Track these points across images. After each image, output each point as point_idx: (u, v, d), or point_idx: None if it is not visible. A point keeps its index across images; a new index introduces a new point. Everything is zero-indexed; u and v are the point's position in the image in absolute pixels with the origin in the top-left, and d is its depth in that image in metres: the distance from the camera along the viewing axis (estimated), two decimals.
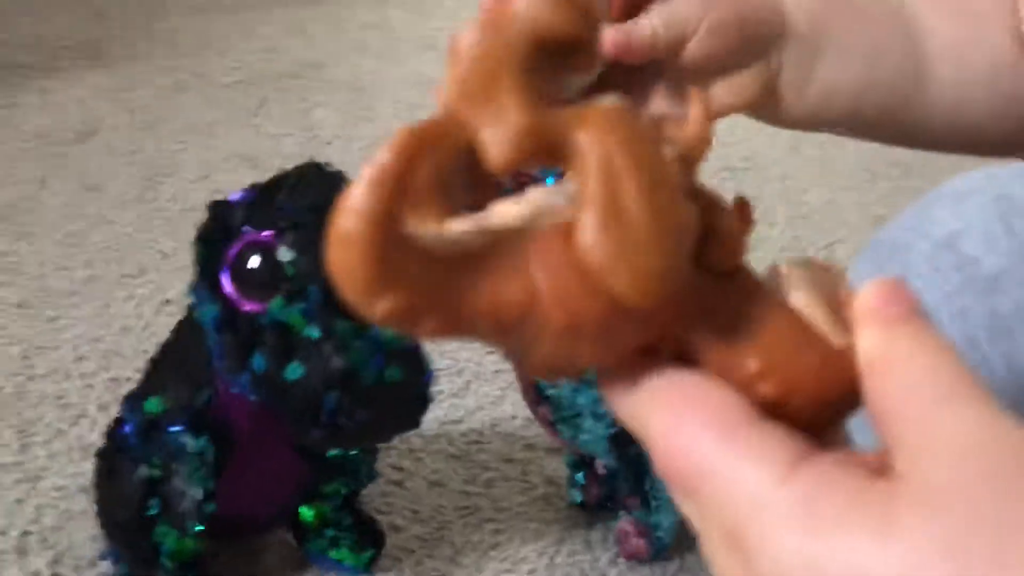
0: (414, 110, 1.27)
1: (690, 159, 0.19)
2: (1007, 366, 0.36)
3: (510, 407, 0.70)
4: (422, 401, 0.41)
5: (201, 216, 0.98)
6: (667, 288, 0.17)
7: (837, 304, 0.19)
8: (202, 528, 0.46)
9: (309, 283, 0.40)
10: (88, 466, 0.61)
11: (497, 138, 0.18)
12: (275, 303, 0.41)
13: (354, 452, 0.49)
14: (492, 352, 0.78)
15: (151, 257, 0.86)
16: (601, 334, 0.18)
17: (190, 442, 0.46)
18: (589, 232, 0.17)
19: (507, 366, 0.71)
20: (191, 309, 0.48)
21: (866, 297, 0.18)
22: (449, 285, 0.17)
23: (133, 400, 0.49)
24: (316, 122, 1.22)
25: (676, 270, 0.18)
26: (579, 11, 0.19)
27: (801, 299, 0.19)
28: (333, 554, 0.54)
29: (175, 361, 0.49)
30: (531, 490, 0.64)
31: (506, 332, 0.17)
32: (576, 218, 0.17)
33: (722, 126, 1.18)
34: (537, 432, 0.68)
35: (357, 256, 0.16)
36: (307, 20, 1.60)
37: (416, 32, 1.58)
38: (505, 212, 0.18)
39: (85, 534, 0.55)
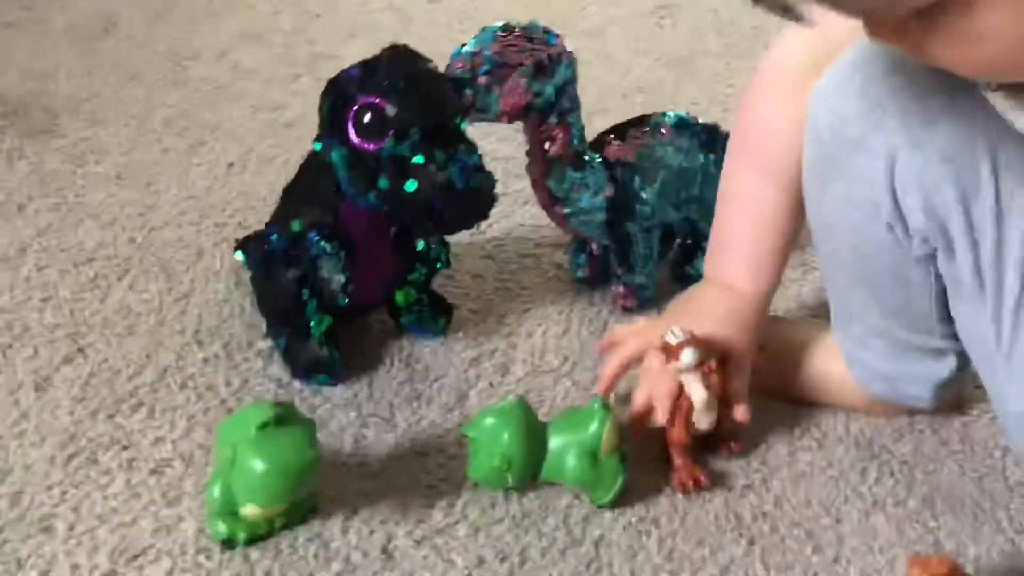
0: None
1: None
2: (933, 143, 0.59)
3: (519, 219, 0.92)
4: (492, 199, 0.63)
5: (229, 92, 1.16)
6: None
7: None
8: (346, 301, 0.68)
9: (410, 127, 0.61)
10: (220, 286, 0.82)
11: None
12: (389, 143, 0.61)
13: (433, 243, 0.71)
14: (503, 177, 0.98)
15: (203, 131, 1.04)
16: None
17: (327, 245, 0.67)
18: None
19: (513, 189, 0.92)
20: (312, 156, 0.68)
21: None
22: None
23: (278, 223, 0.70)
24: None
25: None
26: None
27: None
28: (420, 324, 0.76)
29: (304, 193, 0.69)
30: (545, 273, 0.86)
31: None
32: None
33: (623, 56, 1.42)
34: (541, 235, 0.90)
35: None
36: None
37: None
38: None
39: (241, 327, 0.77)
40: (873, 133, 0.59)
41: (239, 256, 0.83)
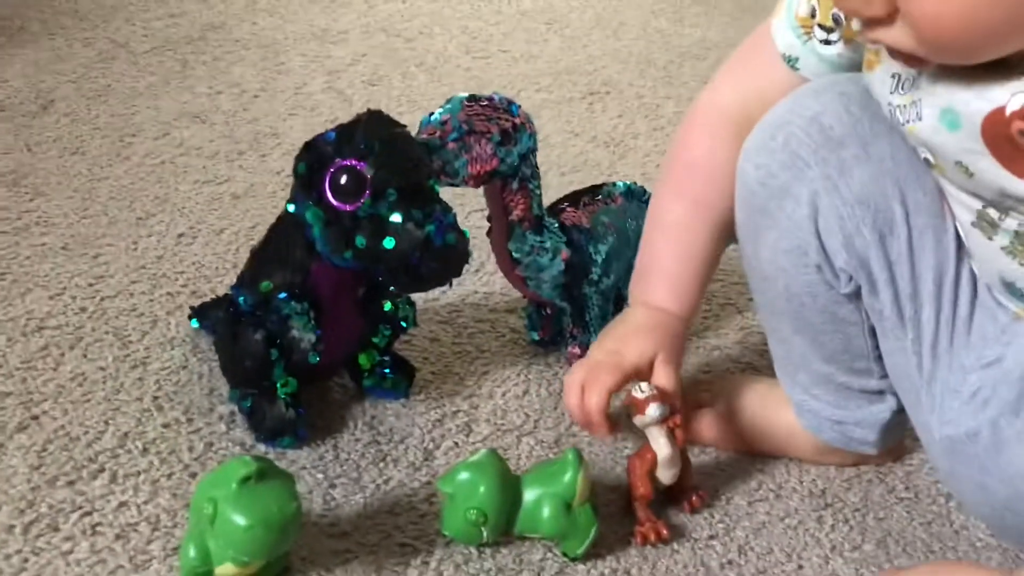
0: (321, 60, 1.46)
1: None
2: (849, 188, 0.64)
3: (471, 286, 0.94)
4: (467, 255, 0.65)
5: (174, 167, 1.16)
6: None
7: None
8: (317, 360, 0.68)
9: (387, 187, 0.63)
10: (176, 353, 0.81)
11: None
12: (365, 203, 0.63)
13: (400, 303, 0.73)
14: None
15: (150, 204, 1.04)
16: None
17: (297, 305, 0.68)
18: None
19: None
20: (283, 218, 0.69)
21: None
22: None
23: (246, 285, 0.70)
24: (238, 79, 1.38)
25: None
26: None
27: None
28: (382, 386, 0.77)
29: (274, 255, 0.70)
30: (502, 337, 0.88)
31: None
32: None
33: (580, 57, 1.52)
34: (495, 300, 0.93)
35: None
36: None
37: None
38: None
39: (201, 392, 0.77)
40: (796, 182, 0.64)
41: (194, 324, 0.83)
